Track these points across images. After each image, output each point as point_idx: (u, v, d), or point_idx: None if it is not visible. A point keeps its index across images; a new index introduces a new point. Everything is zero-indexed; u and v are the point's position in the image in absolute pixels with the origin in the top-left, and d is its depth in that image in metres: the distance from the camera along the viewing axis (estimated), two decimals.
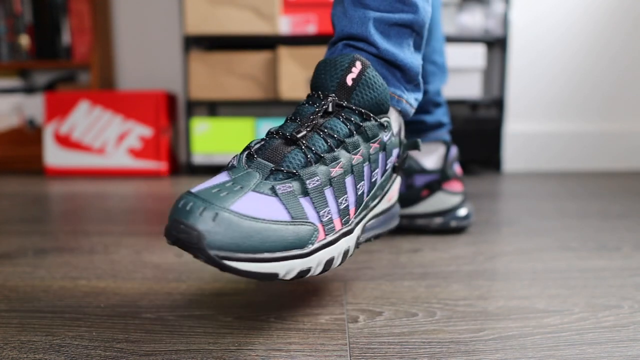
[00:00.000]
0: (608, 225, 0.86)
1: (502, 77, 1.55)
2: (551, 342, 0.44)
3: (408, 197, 0.78)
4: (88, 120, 1.54)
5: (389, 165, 0.50)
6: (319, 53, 1.46)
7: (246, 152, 0.43)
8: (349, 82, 0.46)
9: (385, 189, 0.51)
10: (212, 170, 1.59)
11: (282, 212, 0.39)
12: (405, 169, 0.78)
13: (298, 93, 1.49)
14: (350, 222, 0.45)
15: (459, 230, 0.80)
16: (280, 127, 0.45)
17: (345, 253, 0.45)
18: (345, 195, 0.44)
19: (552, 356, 0.41)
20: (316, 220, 0.41)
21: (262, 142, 0.44)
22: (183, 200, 0.37)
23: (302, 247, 0.39)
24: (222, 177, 0.40)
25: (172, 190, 1.27)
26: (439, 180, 0.78)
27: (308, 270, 0.40)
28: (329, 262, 0.42)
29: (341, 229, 0.44)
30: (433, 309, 0.51)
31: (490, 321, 0.48)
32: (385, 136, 0.48)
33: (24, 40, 1.62)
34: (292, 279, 0.40)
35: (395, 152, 0.50)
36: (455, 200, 0.79)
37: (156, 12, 1.74)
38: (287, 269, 0.39)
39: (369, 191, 0.47)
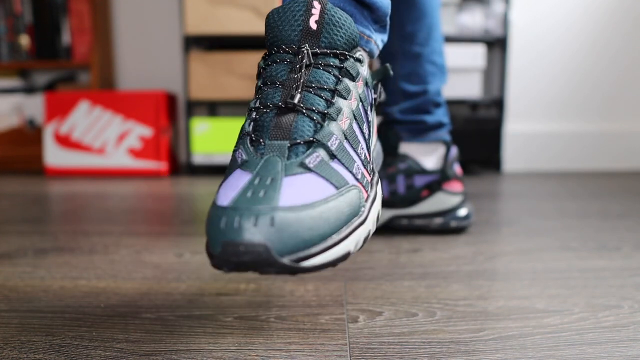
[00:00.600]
0: (608, 225, 0.86)
1: (502, 77, 1.55)
2: (551, 342, 0.44)
3: (408, 197, 0.78)
4: (88, 120, 1.54)
5: (372, 100, 0.47)
6: None
7: (248, 139, 0.38)
8: (313, 25, 0.40)
9: (374, 124, 0.48)
10: (212, 170, 1.59)
11: (326, 186, 0.35)
12: (405, 169, 0.78)
13: None
14: (372, 168, 0.43)
15: (459, 231, 0.80)
16: (261, 98, 0.40)
17: (382, 199, 0.43)
18: (360, 144, 0.41)
19: (552, 356, 0.41)
20: (354, 181, 0.38)
21: (255, 122, 0.39)
22: (223, 218, 0.32)
23: (358, 213, 0.37)
24: (242, 177, 0.35)
25: (172, 190, 1.27)
26: (439, 181, 0.78)
27: (368, 234, 0.38)
28: (377, 217, 0.41)
29: (371, 178, 0.41)
30: (433, 309, 0.51)
31: (490, 321, 0.48)
32: (364, 71, 0.44)
33: (24, 40, 1.62)
34: (359, 250, 0.37)
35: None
36: (455, 200, 0.79)
37: (156, 12, 1.74)
38: (355, 242, 0.36)
39: (369, 131, 0.44)
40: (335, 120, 0.39)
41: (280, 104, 0.38)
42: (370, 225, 0.38)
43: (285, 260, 0.31)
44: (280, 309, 0.51)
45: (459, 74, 1.48)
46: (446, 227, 0.79)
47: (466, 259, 0.67)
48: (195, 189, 1.28)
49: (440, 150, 0.80)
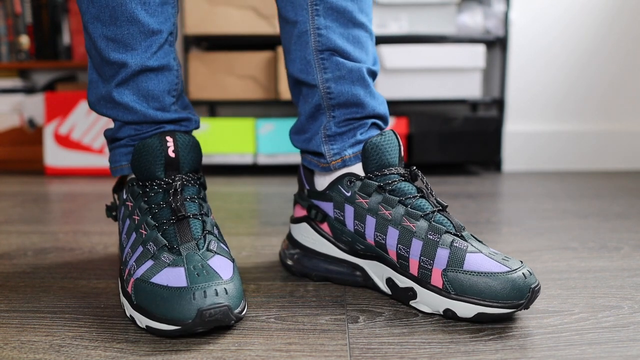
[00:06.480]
0: (608, 225, 0.86)
1: (502, 77, 1.55)
2: (551, 342, 0.44)
3: None
4: (88, 120, 1.54)
5: None
6: None
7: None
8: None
9: None
10: (212, 170, 1.58)
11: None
12: None
13: None
14: None
15: None
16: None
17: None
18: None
19: (552, 356, 0.41)
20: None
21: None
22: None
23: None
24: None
25: None
26: None
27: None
28: None
29: None
30: None
31: (490, 321, 0.48)
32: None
33: (24, 40, 1.62)
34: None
35: None
36: None
37: None
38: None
39: None
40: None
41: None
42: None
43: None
44: (280, 309, 0.51)
45: (459, 74, 1.48)
46: None
47: None
48: None
49: None
